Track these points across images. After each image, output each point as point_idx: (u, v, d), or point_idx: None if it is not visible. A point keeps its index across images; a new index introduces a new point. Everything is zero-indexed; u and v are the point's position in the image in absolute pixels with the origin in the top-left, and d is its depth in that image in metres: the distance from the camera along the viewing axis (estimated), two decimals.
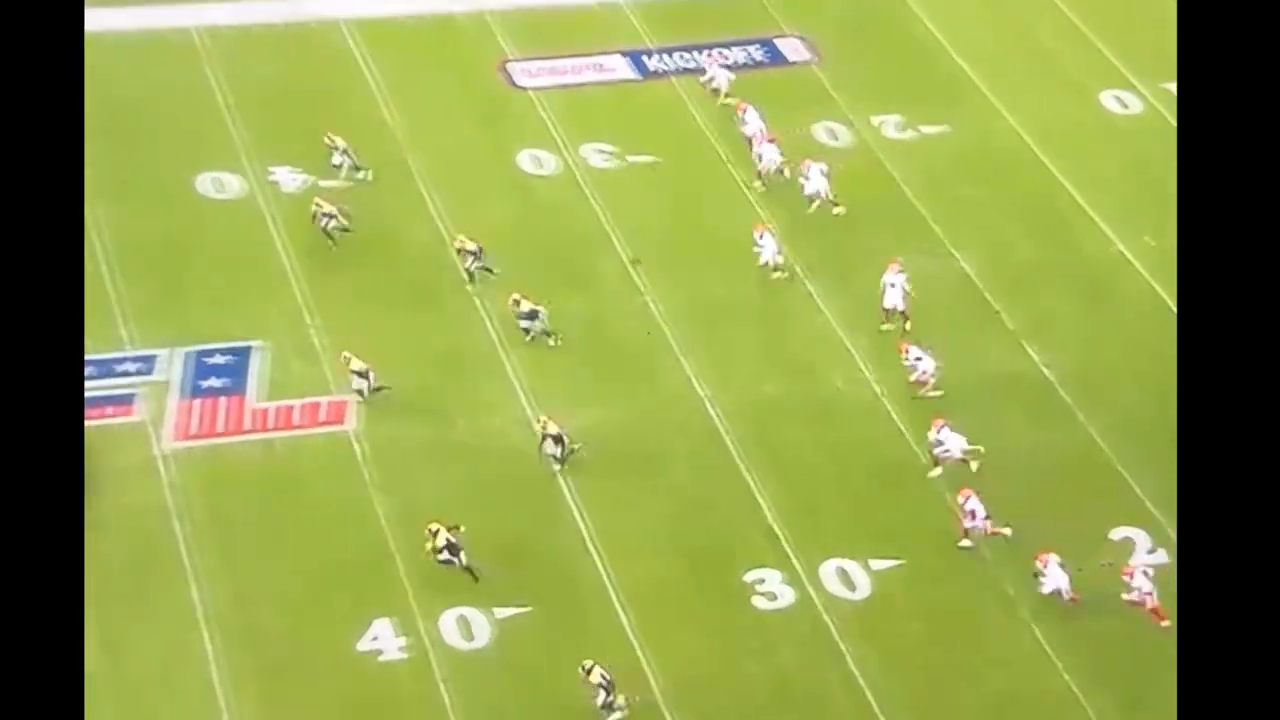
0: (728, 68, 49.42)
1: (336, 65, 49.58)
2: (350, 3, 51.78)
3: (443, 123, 47.82)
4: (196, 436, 38.10)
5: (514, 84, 49.15)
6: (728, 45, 51.03)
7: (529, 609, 34.85)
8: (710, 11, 52.39)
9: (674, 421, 39.25)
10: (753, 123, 46.69)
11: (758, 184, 45.75)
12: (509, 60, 49.89)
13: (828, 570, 35.86)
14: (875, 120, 48.62)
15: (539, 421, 37.50)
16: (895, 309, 41.57)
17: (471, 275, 41.73)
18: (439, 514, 35.61)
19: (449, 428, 38.77)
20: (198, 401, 38.84)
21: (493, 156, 46.72)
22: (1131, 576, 35.61)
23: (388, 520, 36.35)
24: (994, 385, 40.22)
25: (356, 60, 49.67)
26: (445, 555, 34.89)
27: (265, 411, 38.94)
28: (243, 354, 39.98)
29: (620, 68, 50.25)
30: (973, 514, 36.62)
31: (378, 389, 38.29)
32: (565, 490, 37.36)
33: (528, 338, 40.38)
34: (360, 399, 38.34)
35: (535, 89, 48.93)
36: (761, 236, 43.09)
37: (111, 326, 40.35)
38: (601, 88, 49.33)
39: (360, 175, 44.56)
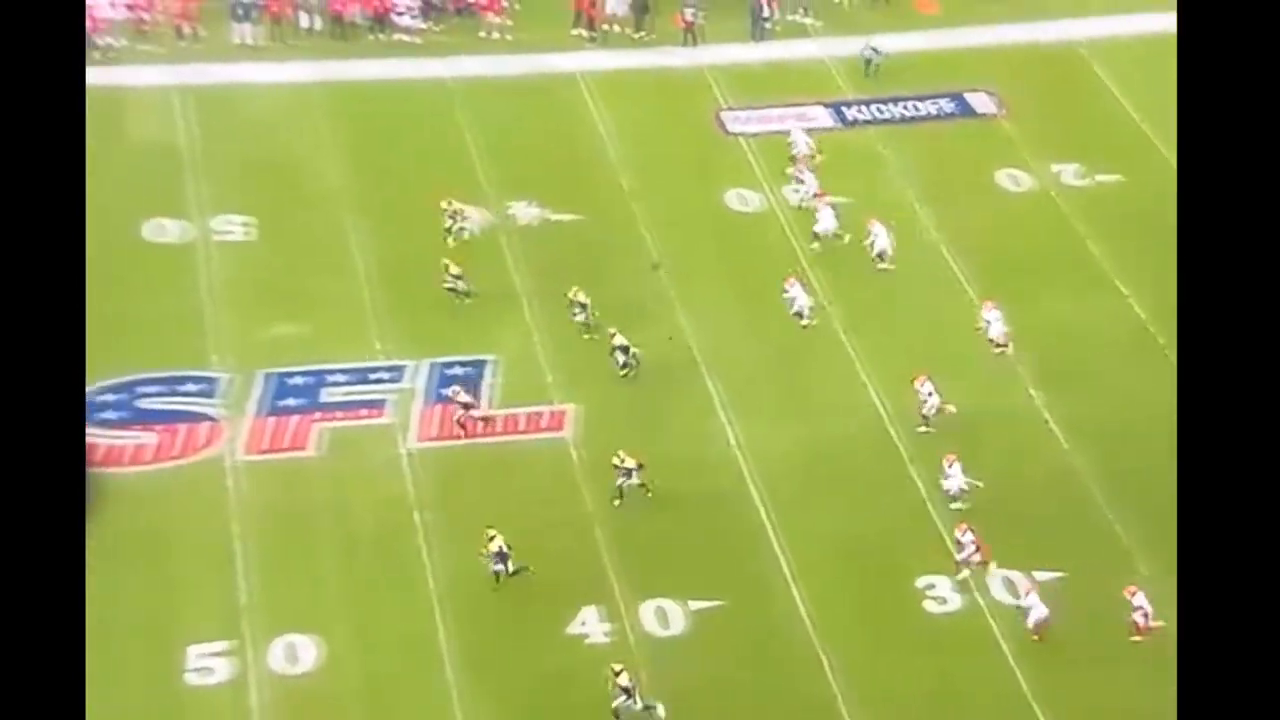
0: (807, 130, 49.56)
1: (570, 112, 50.94)
2: (584, 58, 53.29)
3: (661, 163, 48.99)
4: (436, 438, 39.53)
5: (726, 131, 50.43)
6: (921, 99, 52.03)
7: (721, 603, 35.95)
8: (907, 68, 53.11)
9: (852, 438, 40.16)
10: (809, 184, 47.03)
11: (815, 245, 45.63)
12: (722, 109, 51.20)
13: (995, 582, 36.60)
14: (1055, 168, 49.25)
15: (618, 456, 37.90)
16: (996, 340, 42.24)
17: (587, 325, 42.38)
18: (641, 514, 37.31)
19: (659, 439, 39.56)
20: (438, 407, 40.22)
21: (703, 193, 48.05)
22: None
23: (597, 520, 37.55)
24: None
25: (589, 108, 50.98)
26: (496, 562, 35.72)
27: (495, 418, 40.35)
28: (479, 366, 41.40)
29: (821, 117, 51.24)
30: (960, 545, 36.58)
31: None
32: (756, 498, 38.51)
33: None
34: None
35: (744, 135, 50.13)
36: (790, 286, 43.42)
37: (367, 340, 41.86)
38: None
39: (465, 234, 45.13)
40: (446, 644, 34.87)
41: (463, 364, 41.43)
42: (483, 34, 53.50)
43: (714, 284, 44.54)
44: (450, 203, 44.87)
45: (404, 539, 37.05)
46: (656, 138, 50.17)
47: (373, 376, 41.04)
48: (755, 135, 50.12)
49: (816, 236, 45.72)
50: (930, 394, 39.72)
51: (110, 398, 39.72)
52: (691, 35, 53.86)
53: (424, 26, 53.67)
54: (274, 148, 48.68)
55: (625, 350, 40.94)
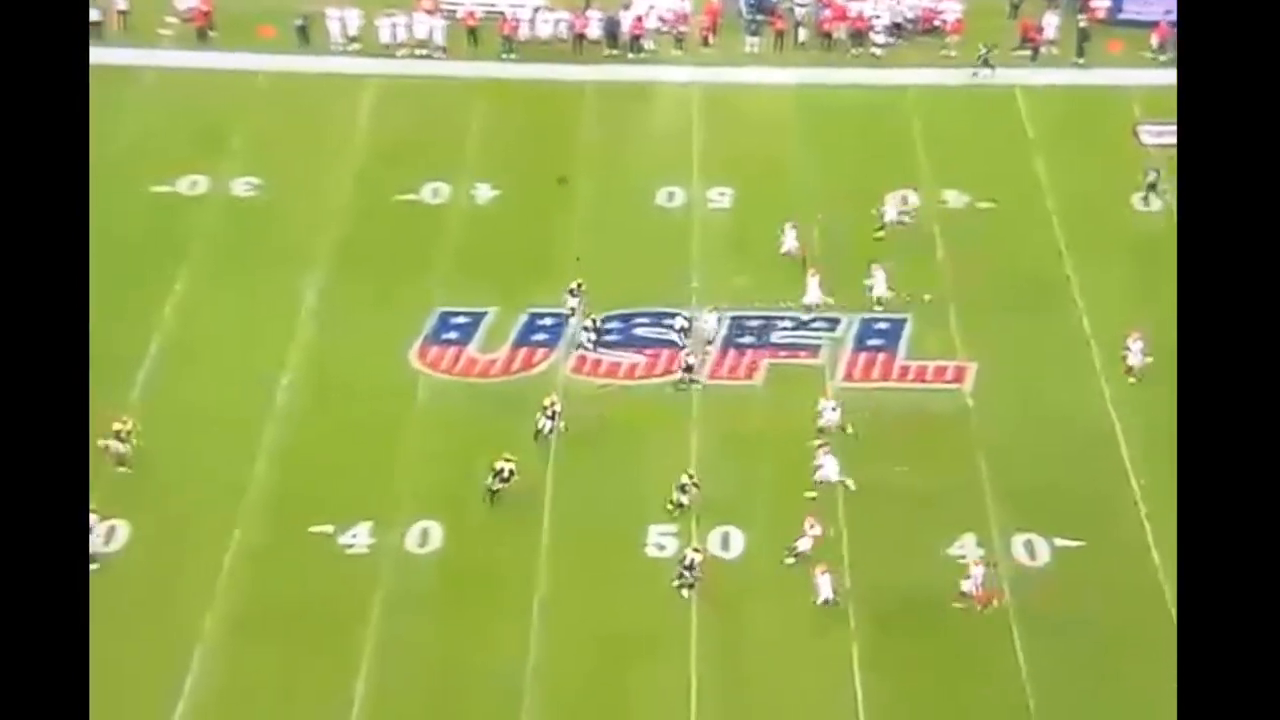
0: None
1: (1003, 118, 49.05)
2: (1023, 74, 51.17)
3: (1079, 173, 46.59)
4: (858, 381, 39.12)
5: (1141, 143, 47.57)
6: None
7: (1083, 543, 34.58)
8: None
9: None
10: (789, 243, 42.57)
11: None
12: (1139, 124, 48.23)
13: None
14: None
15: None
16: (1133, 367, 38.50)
17: None
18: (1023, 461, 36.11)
19: (1041, 403, 38.20)
20: (861, 355, 39.81)
21: (1110, 193, 45.69)
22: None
23: (986, 460, 36.41)
24: None
25: (1020, 115, 49.09)
26: (495, 483, 34.81)
27: (908, 367, 39.58)
28: (899, 324, 40.54)
29: None
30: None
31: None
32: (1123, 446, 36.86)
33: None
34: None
35: (1156, 147, 47.06)
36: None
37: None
38: None
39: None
40: (848, 550, 34.45)
41: (885, 320, 40.67)
42: (945, 52, 52.06)
43: (1114, 267, 42.46)
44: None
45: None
46: (1079, 150, 47.63)
47: (813, 325, 40.70)
48: (1166, 147, 46.06)
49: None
50: None
51: (615, 324, 40.63)
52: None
53: (894, 43, 52.68)
54: (759, 136, 48.63)
55: None
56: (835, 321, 40.71)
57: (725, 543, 34.66)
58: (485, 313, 40.70)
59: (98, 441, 34.20)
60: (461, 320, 40.49)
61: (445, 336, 40.02)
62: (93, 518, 33.60)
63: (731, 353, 39.84)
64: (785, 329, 40.56)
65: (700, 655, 32.34)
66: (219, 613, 32.72)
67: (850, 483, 35.58)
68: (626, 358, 39.74)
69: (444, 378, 38.94)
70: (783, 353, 39.86)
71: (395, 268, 42.33)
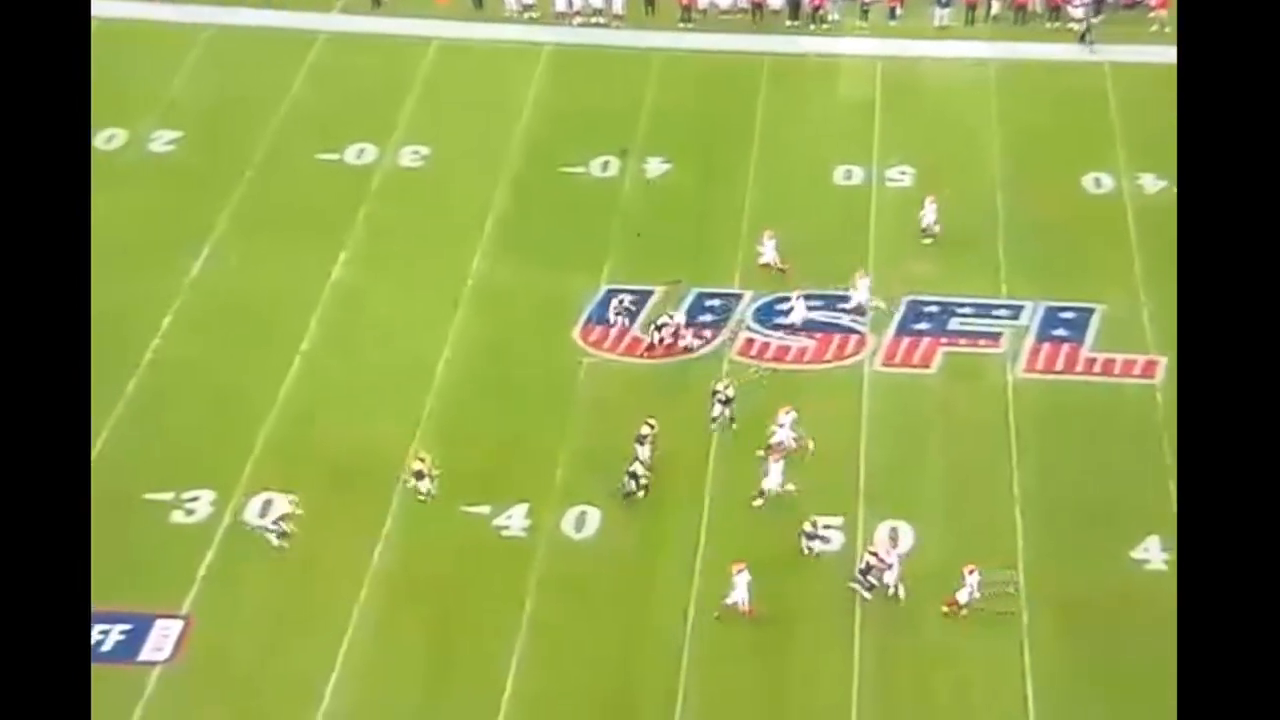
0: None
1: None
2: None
3: None
4: (1041, 372, 37.89)
5: None
6: None
7: None
8: None
9: None
10: (768, 253, 40.78)
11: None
12: None
13: None
14: None
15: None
16: None
17: None
18: None
19: None
20: (1045, 345, 38.65)
21: None
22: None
23: (1171, 458, 34.52)
24: None
25: None
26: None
27: (1095, 359, 38.31)
28: (1086, 313, 39.32)
29: None
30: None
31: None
32: None
33: None
34: None
35: None
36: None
37: (994, 280, 40.48)
38: None
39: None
40: (1024, 545, 33.48)
41: (1072, 309, 39.40)
42: (1154, 28, 50.24)
43: None
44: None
45: (999, 457, 35.58)
46: None
47: (994, 312, 39.62)
48: None
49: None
50: None
51: (784, 307, 39.99)
52: None
53: (1094, 18, 51.00)
54: (946, 111, 47.52)
55: None
56: (1019, 309, 39.59)
57: (894, 538, 33.76)
58: (652, 291, 40.48)
59: (403, 480, 34.68)
60: (627, 299, 40.24)
61: (610, 317, 39.76)
62: (247, 490, 34.53)
63: (906, 339, 39.02)
64: (964, 315, 39.55)
65: (863, 651, 31.60)
66: (372, 587, 32.91)
67: (791, 487, 34.54)
68: (796, 341, 39.15)
69: (607, 357, 38.77)
70: (961, 340, 38.86)
71: (562, 243, 42.28)
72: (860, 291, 39.93)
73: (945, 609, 32.06)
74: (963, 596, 31.99)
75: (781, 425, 35.64)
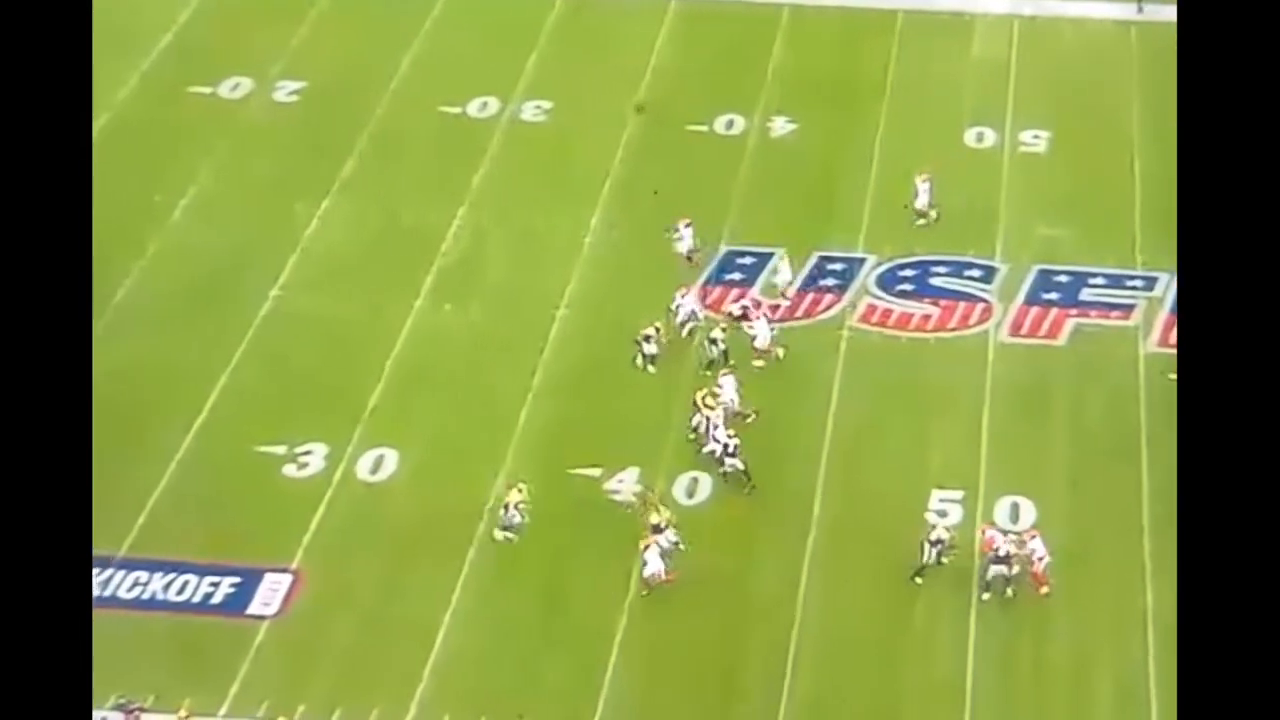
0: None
1: None
2: None
3: None
4: (1170, 345, 36.97)
5: None
6: None
7: None
8: None
9: None
10: (686, 306, 38.26)
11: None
12: None
13: None
14: None
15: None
16: None
17: None
18: None
19: None
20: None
21: None
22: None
23: None
24: None
25: None
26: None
27: None
28: None
29: None
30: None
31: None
32: None
33: None
34: None
35: None
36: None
37: (1129, 250, 39.78)
38: None
39: None
40: (1149, 517, 33.02)
41: None
42: None
43: None
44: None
45: (1128, 433, 34.99)
46: None
47: (1129, 283, 38.97)
48: None
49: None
50: None
51: (909, 272, 39.66)
52: None
53: None
54: (1083, 75, 46.62)
55: None
56: (1153, 280, 38.93)
57: (1014, 514, 33.59)
58: (772, 253, 40.31)
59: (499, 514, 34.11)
60: (747, 260, 40.18)
61: (728, 277, 39.72)
62: (358, 446, 35.06)
63: (1034, 309, 38.54)
64: (1096, 285, 38.96)
65: (980, 631, 31.37)
66: (481, 545, 33.17)
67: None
68: (920, 308, 38.79)
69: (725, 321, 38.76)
70: (1092, 311, 38.30)
71: (682, 201, 42.16)
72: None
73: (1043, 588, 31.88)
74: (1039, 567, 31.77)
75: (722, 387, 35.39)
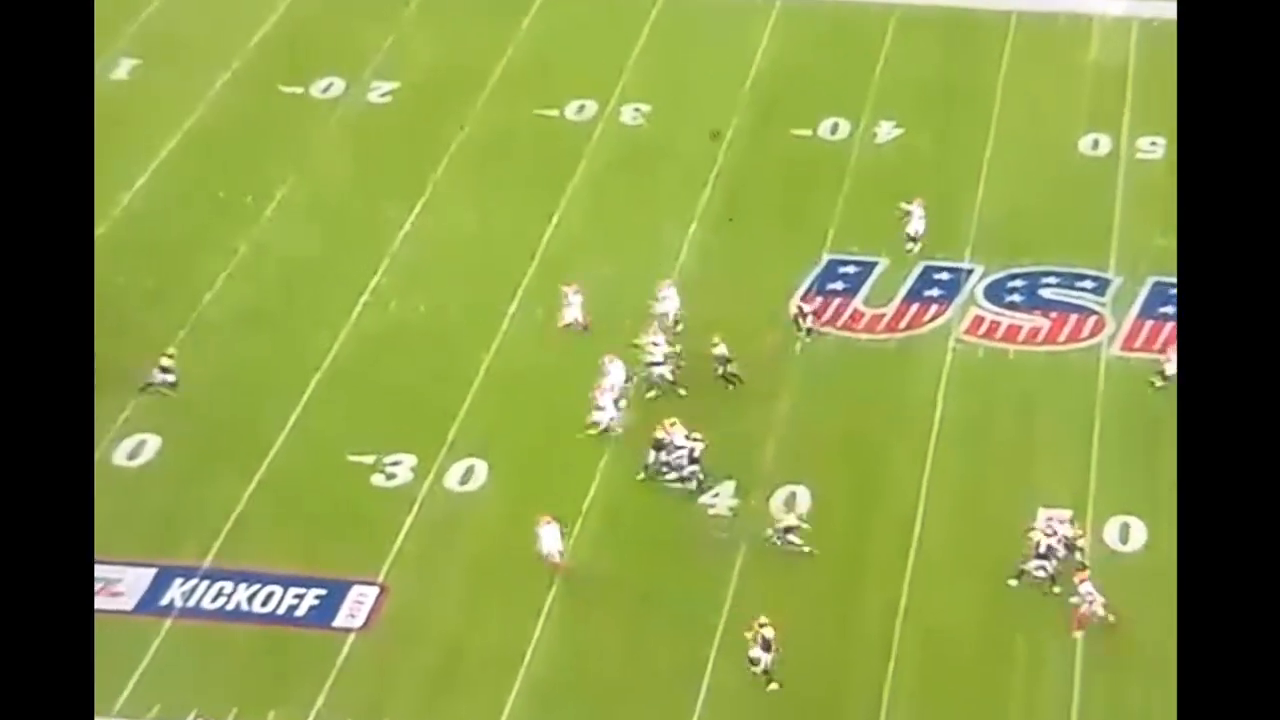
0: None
1: None
2: None
3: None
4: None
5: None
6: None
7: None
8: None
9: None
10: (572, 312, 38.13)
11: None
12: None
13: None
14: None
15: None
16: None
17: None
18: None
19: None
20: None
21: None
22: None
23: None
24: None
25: None
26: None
27: None
28: None
29: None
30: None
31: None
32: None
33: None
34: None
35: None
36: None
37: None
38: None
39: None
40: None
41: None
42: None
43: None
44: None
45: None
46: None
47: None
48: None
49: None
50: None
51: (1019, 284, 39.17)
52: None
53: None
54: None
55: None
56: None
57: (1124, 534, 33.02)
58: (876, 262, 39.88)
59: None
60: (851, 270, 39.81)
61: (831, 286, 39.33)
62: (447, 456, 35.04)
63: (1149, 323, 37.87)
64: None
65: (1085, 658, 30.91)
66: (573, 557, 32.84)
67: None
68: (1029, 320, 38.27)
69: (825, 330, 38.28)
70: None
71: (784, 207, 41.92)
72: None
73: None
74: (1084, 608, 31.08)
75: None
